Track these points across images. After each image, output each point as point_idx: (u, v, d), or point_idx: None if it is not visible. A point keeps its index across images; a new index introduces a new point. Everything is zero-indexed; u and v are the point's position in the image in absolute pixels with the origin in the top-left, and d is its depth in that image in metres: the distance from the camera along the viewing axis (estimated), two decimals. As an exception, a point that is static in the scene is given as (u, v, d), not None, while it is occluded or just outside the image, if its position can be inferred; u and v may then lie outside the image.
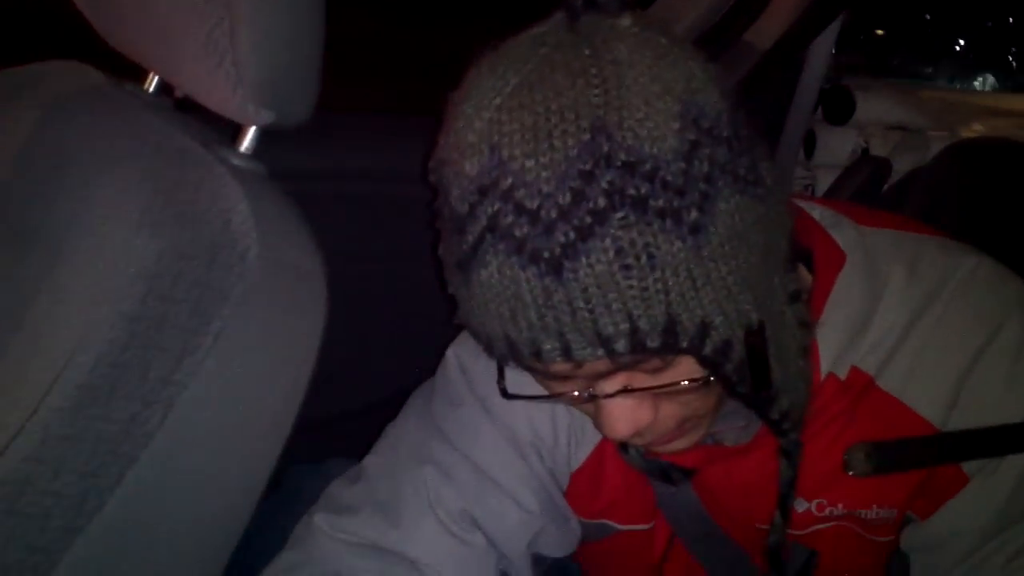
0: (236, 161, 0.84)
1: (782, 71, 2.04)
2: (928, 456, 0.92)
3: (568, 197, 0.71)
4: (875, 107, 2.31)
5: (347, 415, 1.45)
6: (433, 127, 0.82)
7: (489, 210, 0.74)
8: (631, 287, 0.71)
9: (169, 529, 0.78)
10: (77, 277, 0.78)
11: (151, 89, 0.98)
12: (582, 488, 1.07)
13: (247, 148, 0.85)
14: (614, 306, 0.72)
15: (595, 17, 0.78)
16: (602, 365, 0.77)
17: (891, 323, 0.94)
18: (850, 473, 0.93)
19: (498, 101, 0.75)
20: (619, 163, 0.71)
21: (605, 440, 1.02)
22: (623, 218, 0.71)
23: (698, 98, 0.75)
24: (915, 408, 0.93)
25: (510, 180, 0.73)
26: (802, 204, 1.00)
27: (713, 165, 0.74)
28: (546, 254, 0.71)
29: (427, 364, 1.10)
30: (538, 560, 1.08)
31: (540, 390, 0.87)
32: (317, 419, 0.86)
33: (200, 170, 0.80)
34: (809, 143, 2.33)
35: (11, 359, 0.80)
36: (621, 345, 0.73)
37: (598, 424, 0.86)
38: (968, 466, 0.93)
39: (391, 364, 1.46)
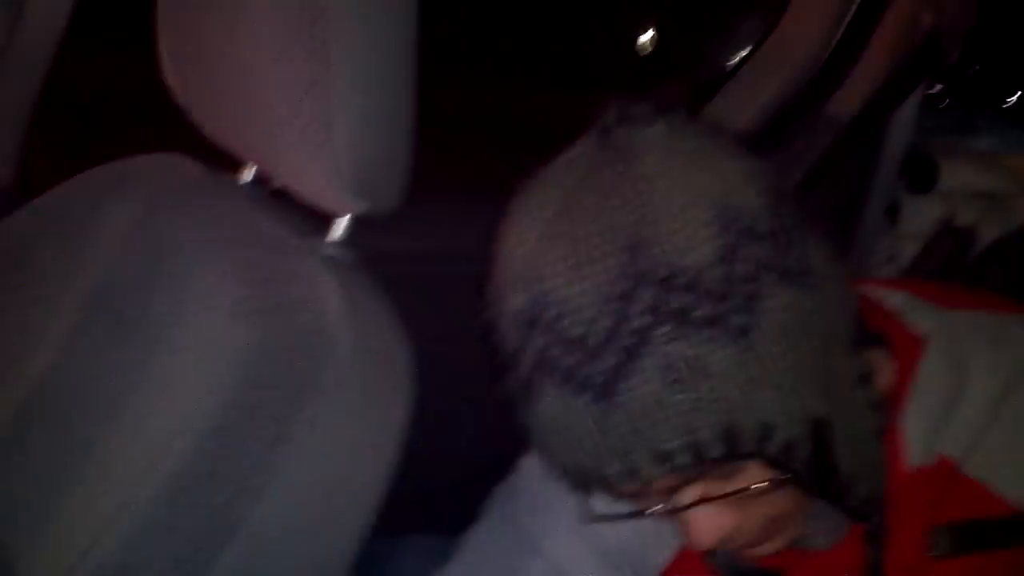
0: (329, 251, 0.86)
1: (865, 140, 2.04)
2: (1013, 536, 0.90)
3: (610, 320, 0.72)
4: (960, 174, 2.28)
5: (429, 494, 1.46)
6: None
7: (538, 343, 0.75)
8: (684, 401, 0.72)
9: (261, 614, 0.79)
10: (175, 365, 0.81)
11: (248, 179, 1.01)
12: None
13: (338, 237, 0.88)
14: (671, 422, 0.72)
15: (629, 130, 0.79)
16: (672, 480, 0.77)
17: (977, 408, 0.91)
18: (934, 554, 0.91)
19: (536, 233, 0.76)
20: (657, 279, 0.71)
21: None
22: (666, 333, 0.71)
23: (733, 199, 0.75)
24: (1004, 494, 0.90)
25: (554, 312, 0.74)
26: (879, 291, 0.98)
27: (755, 265, 0.74)
28: (597, 380, 0.72)
29: (508, 446, 1.10)
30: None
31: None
32: (400, 496, 0.87)
33: (294, 261, 0.83)
34: (893, 212, 2.31)
35: (110, 445, 0.83)
36: (684, 459, 0.73)
37: (683, 535, 0.85)
38: None
39: (471, 444, 1.47)
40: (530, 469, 1.06)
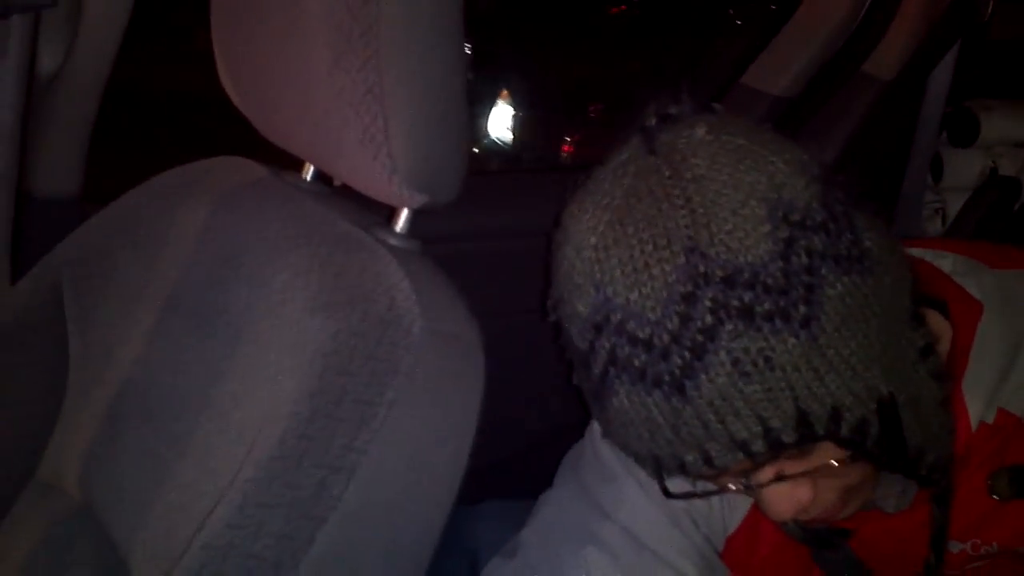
0: (394, 241, 0.91)
1: (905, 98, 2.05)
2: None
3: (676, 321, 0.75)
4: (1000, 126, 2.28)
5: (501, 462, 1.50)
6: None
7: (607, 345, 0.78)
8: (755, 392, 0.74)
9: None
10: (259, 357, 0.86)
11: (308, 178, 1.06)
12: (738, 550, 1.08)
13: (402, 228, 0.92)
14: (743, 413, 0.75)
15: (672, 133, 0.81)
16: (748, 463, 0.80)
17: None
18: (994, 497, 0.94)
19: (593, 240, 0.79)
20: (717, 279, 0.74)
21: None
22: (732, 330, 0.74)
23: (784, 193, 0.77)
24: None
25: (619, 315, 0.77)
26: (934, 255, 1.00)
27: (812, 255, 0.76)
28: (667, 377, 0.75)
29: (575, 411, 1.13)
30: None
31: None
32: (475, 466, 0.91)
33: (364, 253, 0.88)
34: (936, 167, 2.32)
35: (203, 434, 0.88)
36: (759, 446, 0.76)
37: (761, 509, 0.88)
38: None
39: (540, 412, 1.50)
40: (597, 438, 1.09)
